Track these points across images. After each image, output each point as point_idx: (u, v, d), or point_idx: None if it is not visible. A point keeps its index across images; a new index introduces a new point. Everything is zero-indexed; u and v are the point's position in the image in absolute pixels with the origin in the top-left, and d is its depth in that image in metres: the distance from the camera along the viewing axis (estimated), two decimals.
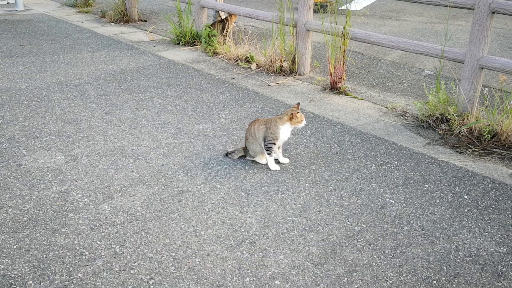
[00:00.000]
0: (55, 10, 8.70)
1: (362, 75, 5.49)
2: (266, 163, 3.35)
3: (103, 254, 2.43)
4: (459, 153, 3.62)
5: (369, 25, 7.93)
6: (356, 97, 4.75)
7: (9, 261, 2.36)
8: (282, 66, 5.38)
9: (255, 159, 3.39)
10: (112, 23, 7.74)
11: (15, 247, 2.46)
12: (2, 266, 2.32)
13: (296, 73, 5.32)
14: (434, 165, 3.43)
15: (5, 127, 3.83)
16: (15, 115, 4.08)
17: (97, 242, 2.52)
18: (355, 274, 2.34)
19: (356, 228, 2.70)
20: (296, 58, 5.29)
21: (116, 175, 3.18)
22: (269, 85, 5.04)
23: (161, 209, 2.82)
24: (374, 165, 3.42)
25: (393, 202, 2.96)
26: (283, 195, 3.01)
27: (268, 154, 3.28)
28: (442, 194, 3.06)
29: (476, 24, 3.80)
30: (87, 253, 2.43)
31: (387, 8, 9.57)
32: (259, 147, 3.31)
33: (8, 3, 8.43)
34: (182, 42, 6.50)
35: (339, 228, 2.70)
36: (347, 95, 4.80)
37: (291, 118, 3.21)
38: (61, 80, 4.98)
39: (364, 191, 3.08)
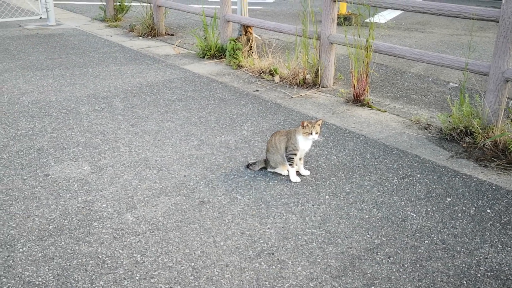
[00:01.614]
0: (85, 24, 8.95)
1: (386, 87, 5.47)
2: (287, 175, 3.38)
3: (124, 262, 2.48)
4: (483, 166, 3.57)
5: (395, 38, 7.91)
6: (379, 110, 4.73)
7: (34, 268, 2.43)
8: (305, 78, 5.41)
9: (276, 170, 3.41)
10: (140, 37, 7.92)
11: (40, 254, 2.54)
12: (27, 273, 2.40)
13: (319, 86, 5.34)
14: (457, 179, 3.39)
15: (34, 138, 3.96)
16: (44, 126, 4.21)
17: (119, 251, 2.58)
18: (373, 287, 2.33)
19: (376, 241, 2.69)
20: (319, 71, 5.31)
21: (139, 186, 3.25)
22: (292, 97, 5.08)
23: (182, 219, 2.87)
24: (396, 178, 3.40)
25: (414, 215, 2.94)
26: (303, 207, 3.02)
27: (290, 165, 3.31)
28: (464, 208, 3.02)
29: (501, 36, 3.76)
30: (109, 261, 2.49)
31: (413, 21, 9.52)
32: (281, 158, 3.33)
33: (40, 18, 8.72)
34: (207, 55, 6.60)
35: (358, 241, 2.69)
36: (370, 107, 4.79)
37: (302, 127, 3.22)
38: (90, 92, 5.12)
39: (385, 204, 3.07)
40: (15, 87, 5.24)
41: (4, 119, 4.36)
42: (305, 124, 3.20)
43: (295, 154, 3.28)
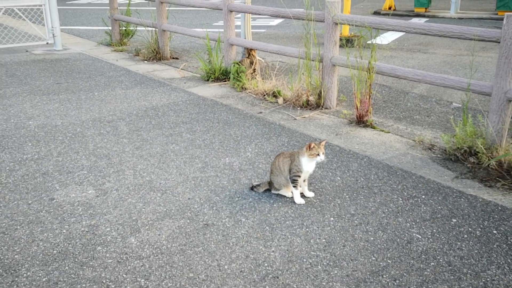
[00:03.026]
0: (92, 49, 9.07)
1: (389, 108, 5.49)
2: (291, 197, 3.37)
3: (128, 287, 2.47)
4: (488, 186, 3.56)
5: (397, 59, 7.96)
6: (383, 130, 4.74)
7: None
8: (308, 100, 5.44)
9: (280, 192, 3.41)
10: (146, 61, 8.01)
11: (44, 279, 2.54)
12: None
13: (322, 107, 5.37)
14: (462, 199, 3.38)
15: (40, 162, 3.99)
16: (49, 150, 4.24)
17: (123, 275, 2.57)
18: None
19: (381, 263, 2.67)
20: (322, 92, 5.34)
21: (144, 209, 3.25)
22: (295, 119, 5.10)
23: (186, 242, 2.87)
24: (401, 199, 3.39)
25: (420, 237, 2.92)
26: (307, 229, 3.01)
27: (294, 186, 3.31)
28: (470, 229, 3.00)
29: (502, 57, 3.79)
30: (113, 286, 2.48)
31: (415, 42, 9.59)
32: (284, 180, 3.33)
33: (47, 43, 8.84)
34: (211, 78, 6.66)
35: (364, 263, 2.68)
36: (373, 128, 4.80)
37: (307, 149, 3.23)
38: (95, 116, 5.16)
39: (390, 225, 3.05)
40: (22, 112, 5.29)
41: (10, 143, 4.39)
42: (312, 146, 3.21)
43: (299, 176, 3.28)
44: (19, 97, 5.85)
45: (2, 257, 2.72)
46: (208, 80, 6.68)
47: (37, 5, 8.72)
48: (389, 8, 14.59)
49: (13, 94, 6.00)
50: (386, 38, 9.67)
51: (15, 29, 9.29)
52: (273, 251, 2.78)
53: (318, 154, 3.21)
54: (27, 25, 9.00)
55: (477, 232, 2.97)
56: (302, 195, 3.39)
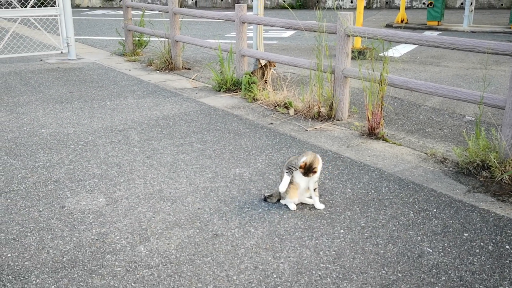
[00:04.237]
0: (105, 59, 9.16)
1: (401, 120, 5.46)
2: (294, 209, 3.36)
3: None
4: (501, 201, 3.51)
5: (409, 71, 7.94)
6: (394, 143, 4.72)
7: None
8: (320, 111, 5.43)
9: (285, 201, 3.41)
10: (158, 71, 8.07)
11: (53, 287, 2.54)
12: None
13: (333, 119, 5.36)
14: (474, 213, 3.33)
15: (51, 170, 4.01)
16: (61, 158, 4.27)
17: (132, 284, 2.57)
18: None
19: (391, 277, 2.64)
20: (334, 104, 5.34)
21: (153, 218, 3.26)
22: (306, 130, 5.09)
23: (195, 252, 2.86)
24: (412, 212, 3.36)
25: (431, 251, 2.89)
26: (317, 241, 2.99)
27: (286, 173, 3.30)
28: (482, 244, 2.96)
29: None
30: None
31: (428, 54, 9.56)
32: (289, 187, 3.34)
33: (61, 52, 8.96)
34: (223, 89, 6.69)
35: (374, 277, 2.65)
36: (385, 140, 4.78)
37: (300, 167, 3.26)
38: (107, 125, 5.20)
39: (401, 239, 3.02)
40: (35, 120, 5.35)
41: (22, 151, 4.43)
42: (302, 167, 3.25)
43: (293, 168, 3.29)
44: (32, 105, 5.91)
45: (12, 264, 2.73)
46: (219, 90, 6.71)
47: (52, 15, 8.85)
48: (402, 21, 14.59)
49: (26, 102, 6.07)
50: (399, 50, 9.66)
51: (30, 39, 9.43)
52: (282, 263, 2.76)
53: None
54: (42, 35, 9.12)
55: (489, 247, 2.93)
56: (313, 207, 3.38)
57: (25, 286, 2.54)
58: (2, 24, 9.90)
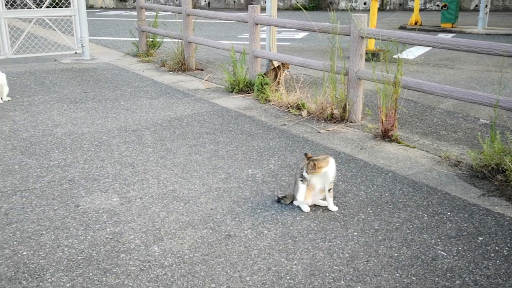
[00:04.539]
0: (119, 59, 9.23)
1: (415, 123, 5.43)
2: (308, 211, 3.35)
3: None
4: None
5: (423, 74, 7.89)
6: (408, 145, 4.69)
7: None
8: (333, 113, 5.42)
9: (298, 203, 3.40)
10: (171, 72, 8.11)
11: (68, 285, 2.56)
12: None
13: (347, 121, 5.34)
14: (489, 217, 3.31)
15: (66, 169, 4.05)
16: (76, 158, 4.31)
17: (146, 283, 2.58)
18: None
19: (405, 280, 2.63)
20: (347, 106, 5.32)
21: (167, 218, 3.27)
22: (319, 132, 5.08)
23: (208, 252, 2.87)
24: (426, 215, 3.34)
25: (445, 254, 2.87)
26: (330, 243, 2.98)
27: (301, 180, 3.30)
28: (497, 248, 2.93)
29: None
30: None
31: (442, 57, 9.49)
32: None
33: (76, 52, 9.03)
34: (235, 90, 6.70)
35: (387, 279, 2.64)
36: (399, 143, 4.75)
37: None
38: (121, 125, 5.23)
39: (415, 242, 3.01)
40: (50, 119, 5.40)
41: (37, 150, 4.48)
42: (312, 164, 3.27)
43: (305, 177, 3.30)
44: (47, 105, 5.97)
45: (27, 262, 2.76)
46: (232, 91, 6.72)
47: (67, 16, 8.93)
48: (415, 23, 14.51)
49: (41, 101, 6.13)
50: (413, 52, 9.61)
51: (45, 39, 9.52)
52: (295, 264, 2.76)
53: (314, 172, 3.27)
54: (57, 35, 9.21)
55: (504, 251, 2.90)
56: (326, 209, 3.38)
57: (41, 284, 2.57)
58: (17, 24, 10.01)
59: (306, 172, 3.26)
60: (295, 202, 3.44)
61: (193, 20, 8.13)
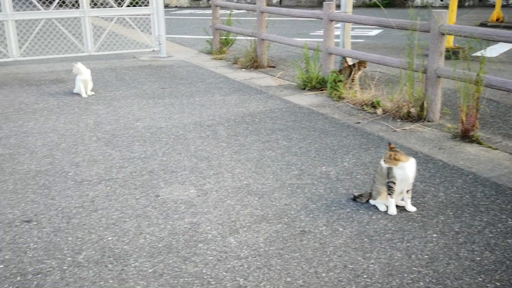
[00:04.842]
0: (193, 57, 9.47)
1: (497, 124, 5.17)
2: (385, 211, 3.28)
3: (228, 285, 2.54)
4: None
5: (506, 72, 7.48)
6: (490, 147, 4.48)
7: (145, 283, 2.57)
8: (409, 112, 5.27)
9: (375, 202, 3.34)
10: (243, 69, 8.22)
11: (150, 271, 2.68)
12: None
13: (424, 120, 5.18)
14: None
15: (146, 161, 4.23)
16: (155, 150, 4.48)
17: (223, 273, 2.65)
18: None
19: (489, 285, 2.52)
20: (425, 104, 5.16)
21: (242, 211, 3.33)
22: (395, 130, 4.96)
23: (283, 247, 2.89)
24: (510, 219, 3.18)
25: None
26: (408, 244, 2.91)
27: (389, 194, 3.24)
28: None
29: None
30: (213, 282, 2.56)
31: None
32: (382, 186, 3.27)
33: (153, 50, 9.37)
34: (308, 87, 6.68)
35: (469, 283, 2.54)
36: (480, 144, 4.55)
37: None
38: (196, 120, 5.38)
39: (499, 246, 2.87)
40: (130, 113, 5.65)
41: (120, 142, 4.70)
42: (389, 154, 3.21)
43: (394, 183, 3.20)
44: (127, 100, 6.24)
45: (112, 247, 2.91)
46: (304, 88, 6.71)
47: (146, 14, 9.28)
48: (497, 20, 13.77)
49: (122, 96, 6.42)
50: (496, 50, 9.13)
51: (124, 37, 9.94)
52: (372, 263, 2.72)
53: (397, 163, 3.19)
54: (135, 33, 9.59)
55: None
56: (403, 209, 3.30)
57: (125, 268, 2.70)
58: (99, 23, 10.53)
59: (384, 160, 3.20)
60: (371, 201, 3.38)
61: (266, 18, 8.19)
